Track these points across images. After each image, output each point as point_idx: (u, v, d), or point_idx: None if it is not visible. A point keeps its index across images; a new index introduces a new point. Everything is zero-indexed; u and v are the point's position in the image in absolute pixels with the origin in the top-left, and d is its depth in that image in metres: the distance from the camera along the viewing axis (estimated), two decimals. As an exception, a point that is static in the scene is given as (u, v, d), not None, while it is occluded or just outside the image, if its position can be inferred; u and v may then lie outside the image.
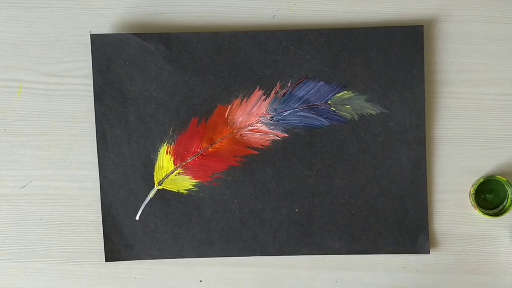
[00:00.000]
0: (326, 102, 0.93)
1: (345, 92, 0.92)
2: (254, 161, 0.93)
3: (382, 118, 0.92)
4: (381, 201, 0.93)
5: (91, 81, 0.94)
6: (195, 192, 0.94)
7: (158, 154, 0.93)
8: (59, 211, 0.95)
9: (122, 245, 0.94)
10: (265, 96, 0.93)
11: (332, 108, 0.93)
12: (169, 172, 0.94)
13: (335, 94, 0.93)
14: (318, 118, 0.93)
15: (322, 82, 0.93)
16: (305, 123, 0.93)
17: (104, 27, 0.94)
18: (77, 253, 0.96)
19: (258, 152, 0.93)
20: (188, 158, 0.94)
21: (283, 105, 0.93)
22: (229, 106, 0.93)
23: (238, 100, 0.93)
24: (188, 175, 0.94)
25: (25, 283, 0.96)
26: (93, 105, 0.93)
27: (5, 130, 0.95)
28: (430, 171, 0.94)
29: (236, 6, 0.94)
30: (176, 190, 0.94)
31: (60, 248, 0.96)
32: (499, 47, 0.93)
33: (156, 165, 0.93)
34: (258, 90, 0.93)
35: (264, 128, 0.93)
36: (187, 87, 0.93)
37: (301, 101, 0.93)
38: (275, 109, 0.93)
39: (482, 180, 0.91)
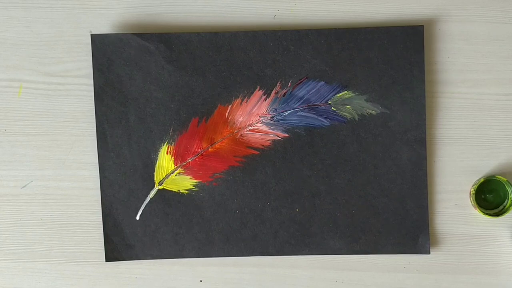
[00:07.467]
0: (326, 102, 0.93)
1: (346, 92, 0.92)
2: (255, 161, 0.93)
3: (383, 118, 0.92)
4: (381, 201, 0.93)
5: (91, 81, 0.94)
6: (195, 192, 0.94)
7: (158, 154, 0.93)
8: (59, 211, 0.95)
9: (122, 245, 0.94)
10: (265, 96, 0.93)
11: (332, 108, 0.93)
12: (170, 172, 0.93)
13: (336, 94, 0.93)
14: (319, 118, 0.93)
15: (322, 82, 0.93)
16: (306, 123, 0.93)
17: (104, 27, 0.94)
18: (77, 253, 0.96)
19: (258, 152, 0.93)
20: (189, 158, 0.93)
21: (283, 105, 0.93)
22: (229, 106, 0.93)
23: (238, 100, 0.93)
24: (189, 175, 0.94)
25: (25, 283, 0.96)
26: (93, 105, 0.93)
27: (5, 130, 0.95)
28: (431, 171, 0.94)
29: (236, 6, 0.94)
30: (176, 190, 0.94)
31: (60, 248, 0.95)
32: (499, 47, 0.93)
33: (157, 165, 0.93)
34: (258, 90, 0.93)
35: (265, 128, 0.93)
36: (188, 87, 0.93)
37: (301, 101, 0.93)
38: (276, 109, 0.93)
39: (482, 180, 0.91)
